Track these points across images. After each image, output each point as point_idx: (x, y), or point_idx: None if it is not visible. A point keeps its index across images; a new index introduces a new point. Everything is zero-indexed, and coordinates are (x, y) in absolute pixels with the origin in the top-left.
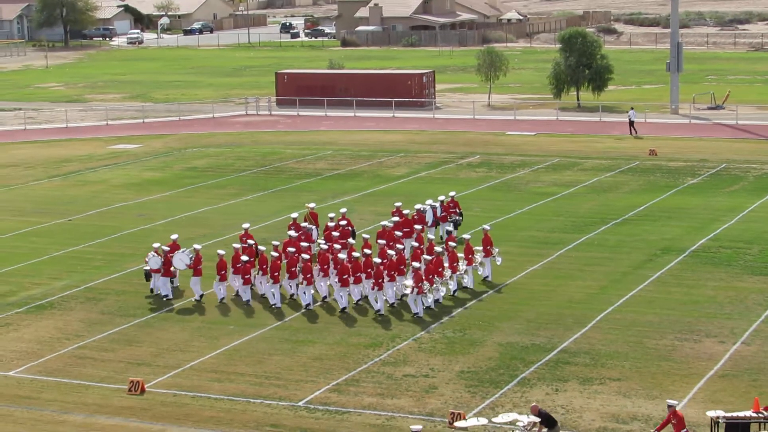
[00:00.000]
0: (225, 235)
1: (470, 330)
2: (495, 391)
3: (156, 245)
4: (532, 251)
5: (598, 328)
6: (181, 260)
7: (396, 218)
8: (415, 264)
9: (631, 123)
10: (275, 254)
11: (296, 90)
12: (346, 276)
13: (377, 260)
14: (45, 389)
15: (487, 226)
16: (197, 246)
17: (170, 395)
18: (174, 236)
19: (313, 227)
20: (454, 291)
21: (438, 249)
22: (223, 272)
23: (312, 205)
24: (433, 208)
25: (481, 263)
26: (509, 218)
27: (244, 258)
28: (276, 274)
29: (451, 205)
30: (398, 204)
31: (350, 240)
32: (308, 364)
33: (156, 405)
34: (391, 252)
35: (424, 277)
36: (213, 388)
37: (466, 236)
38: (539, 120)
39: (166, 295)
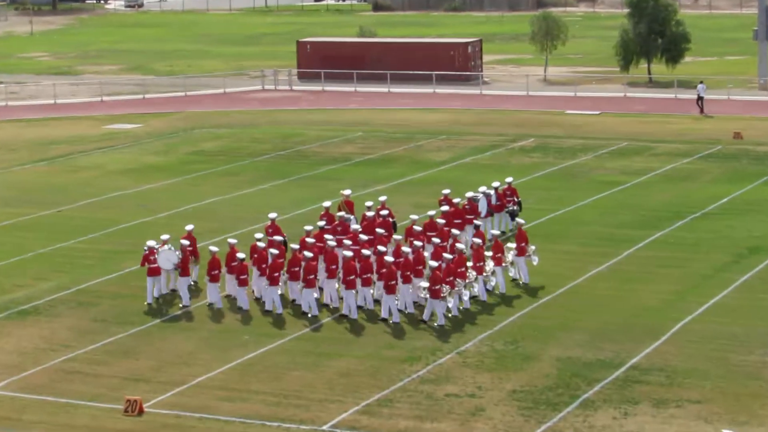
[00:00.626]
0: (237, 229)
1: (524, 342)
2: (553, 414)
3: (165, 237)
4: (596, 250)
5: (674, 341)
6: (167, 259)
7: (445, 207)
8: (433, 263)
9: (700, 99)
10: (275, 251)
11: (321, 61)
12: (353, 277)
13: (389, 259)
14: (28, 409)
15: (521, 220)
16: (184, 242)
17: (173, 416)
18: (189, 227)
19: (351, 216)
20: (471, 297)
21: (460, 246)
22: (215, 272)
23: (347, 192)
24: (487, 196)
25: (512, 263)
26: (568, 212)
27: (240, 255)
28: (276, 275)
29: (508, 192)
30: (446, 191)
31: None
32: (334, 381)
33: (156, 427)
34: (406, 249)
35: (442, 279)
36: (222, 409)
37: (521, 221)
38: (604, 97)
39: (186, 305)
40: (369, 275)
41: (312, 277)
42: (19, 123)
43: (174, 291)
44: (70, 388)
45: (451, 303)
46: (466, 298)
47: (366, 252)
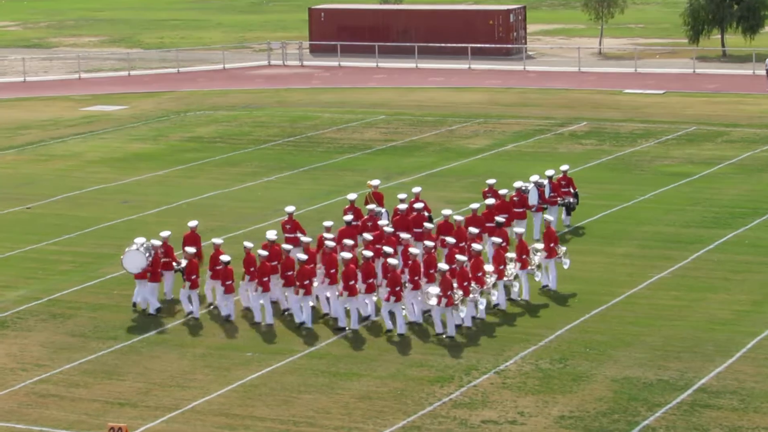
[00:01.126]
0: (240, 228)
1: (573, 360)
2: None
3: (166, 234)
4: (659, 253)
5: (750, 358)
6: (133, 261)
7: (491, 200)
8: (443, 266)
9: None
10: (264, 253)
11: (337, 32)
12: (353, 282)
13: (392, 261)
14: None
15: (549, 217)
16: (156, 242)
17: None
18: (192, 223)
19: (382, 210)
20: (495, 305)
21: (477, 247)
22: (194, 277)
23: (376, 182)
24: (540, 186)
25: (538, 266)
26: (627, 208)
27: (225, 258)
28: (266, 279)
29: (563, 183)
30: (492, 182)
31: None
32: (352, 406)
33: None
34: (414, 251)
35: (456, 285)
36: None
37: (549, 218)
38: (669, 73)
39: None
40: (372, 280)
41: (307, 282)
42: None
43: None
44: (43, 414)
45: (464, 312)
46: (482, 306)
47: (367, 253)
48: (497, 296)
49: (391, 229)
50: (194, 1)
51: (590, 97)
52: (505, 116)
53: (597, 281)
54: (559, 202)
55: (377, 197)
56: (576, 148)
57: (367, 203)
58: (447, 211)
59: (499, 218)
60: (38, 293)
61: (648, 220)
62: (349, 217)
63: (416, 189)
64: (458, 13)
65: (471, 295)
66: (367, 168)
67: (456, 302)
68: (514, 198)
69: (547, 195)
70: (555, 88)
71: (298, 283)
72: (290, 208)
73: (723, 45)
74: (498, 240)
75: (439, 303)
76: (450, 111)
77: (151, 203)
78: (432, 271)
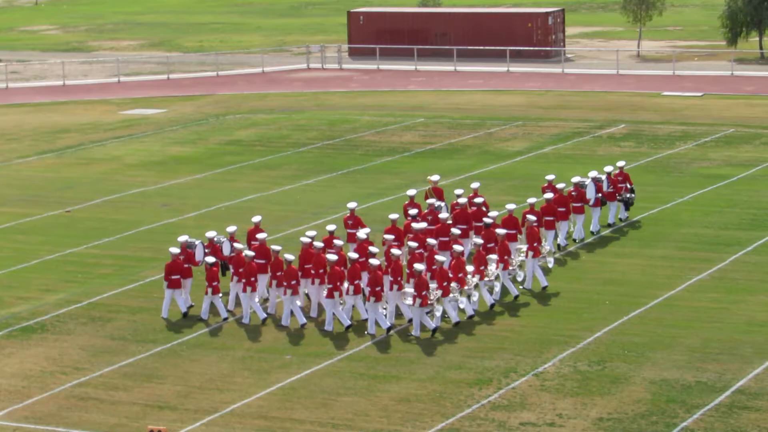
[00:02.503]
0: (279, 231)
1: (611, 362)
2: None
3: (232, 229)
4: (697, 255)
5: None
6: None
7: (549, 195)
8: (418, 266)
9: None
10: (250, 253)
11: (376, 35)
12: (337, 284)
13: (374, 262)
14: None
15: (532, 217)
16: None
17: None
18: (256, 218)
19: (442, 204)
20: (491, 305)
21: (458, 248)
22: (174, 277)
23: (435, 177)
24: (598, 182)
25: (520, 266)
26: (665, 210)
27: (210, 260)
28: (253, 279)
29: (620, 178)
30: (551, 177)
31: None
32: (391, 408)
33: None
34: (396, 252)
35: (438, 284)
36: None
37: (532, 218)
38: (707, 75)
39: (225, 318)
40: (358, 281)
41: (254, 280)
42: (21, 108)
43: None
44: (83, 417)
45: (440, 312)
46: (463, 306)
47: (353, 255)
48: (478, 297)
49: (363, 234)
50: (234, 5)
51: (628, 99)
52: (544, 119)
53: (636, 283)
54: (617, 197)
55: (437, 192)
56: (614, 151)
57: (427, 198)
58: (532, 199)
59: (487, 219)
60: (78, 296)
61: (686, 222)
62: (414, 211)
63: (475, 184)
64: (497, 16)
65: (451, 295)
66: (406, 171)
67: (431, 301)
68: (572, 193)
69: (605, 189)
70: (593, 91)
71: (285, 283)
72: (352, 204)
73: (761, 47)
74: (480, 240)
75: (414, 303)
76: (488, 114)
77: (190, 206)
78: (460, 275)
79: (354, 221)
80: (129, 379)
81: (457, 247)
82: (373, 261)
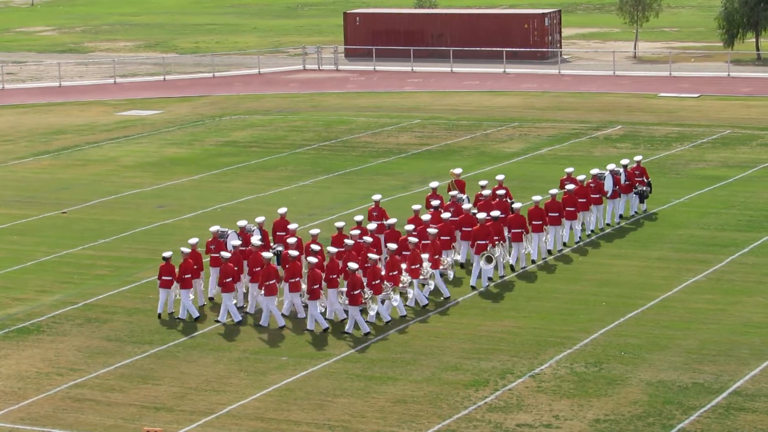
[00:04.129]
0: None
1: (608, 363)
2: None
3: (243, 223)
4: (694, 256)
5: None
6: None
7: (570, 186)
8: (352, 265)
9: None
10: (226, 255)
11: (372, 37)
12: (317, 286)
13: (312, 260)
14: None
15: (432, 230)
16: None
17: None
18: (282, 210)
19: (464, 196)
20: (424, 305)
21: (392, 246)
22: (167, 279)
23: (458, 170)
24: (615, 174)
25: (453, 265)
26: (662, 211)
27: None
28: (228, 280)
29: (637, 172)
30: (570, 170)
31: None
32: (387, 409)
33: None
34: (332, 249)
35: (368, 282)
36: None
37: (480, 216)
38: (704, 77)
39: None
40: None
41: (230, 280)
42: (17, 109)
43: (211, 299)
44: (78, 419)
45: (373, 310)
46: (396, 304)
47: (312, 260)
48: (413, 294)
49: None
50: (230, 6)
51: (625, 100)
52: (540, 120)
53: (632, 285)
54: (633, 190)
55: (459, 185)
56: (611, 152)
57: (449, 190)
58: (553, 190)
59: (516, 204)
60: (74, 298)
61: (683, 223)
62: (437, 202)
63: (500, 176)
64: (493, 17)
65: (384, 293)
66: (403, 172)
67: (365, 300)
68: (591, 184)
69: (623, 182)
70: (590, 92)
71: (261, 282)
72: (377, 196)
73: (758, 48)
74: (414, 239)
75: (347, 301)
76: (485, 115)
77: (187, 208)
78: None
79: (378, 213)
80: (125, 381)
81: (391, 245)
82: (312, 259)
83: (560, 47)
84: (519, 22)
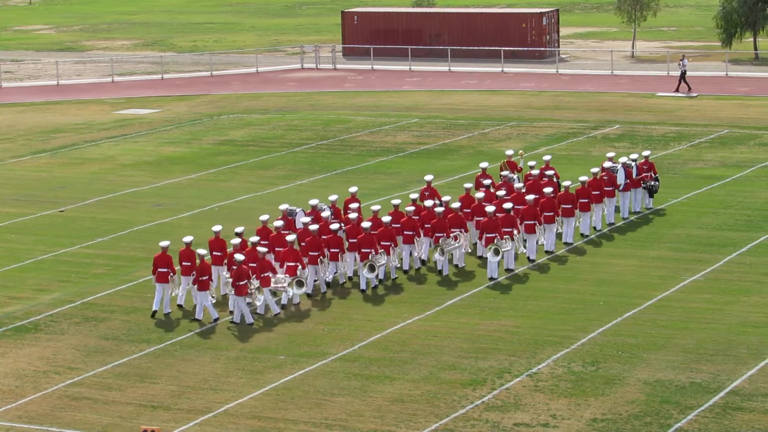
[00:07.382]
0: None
1: (605, 363)
2: None
3: (315, 202)
4: (691, 256)
5: None
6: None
7: (584, 177)
8: (238, 257)
9: (683, 76)
10: (202, 252)
11: (370, 36)
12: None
13: (239, 257)
14: None
15: (262, 249)
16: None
17: None
18: (314, 201)
19: (515, 176)
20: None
21: (290, 238)
22: (163, 271)
23: (510, 152)
24: (627, 167)
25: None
26: (660, 211)
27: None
28: (204, 278)
29: (645, 167)
30: (511, 151)
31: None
32: (384, 409)
33: None
34: (314, 225)
35: (257, 274)
36: None
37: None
38: (702, 76)
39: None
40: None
41: (206, 278)
42: (15, 108)
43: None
44: (76, 417)
45: (260, 301)
46: (284, 300)
47: (261, 250)
48: (261, 300)
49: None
50: (228, 5)
51: (623, 100)
52: (538, 119)
53: (630, 284)
54: (642, 185)
55: (511, 165)
56: (609, 151)
57: (501, 170)
58: (567, 183)
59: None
60: (72, 296)
61: (680, 223)
62: (488, 181)
63: (547, 157)
64: (491, 16)
65: (272, 285)
66: (400, 170)
67: (251, 291)
68: (604, 177)
69: (634, 175)
70: (588, 92)
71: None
72: (429, 177)
73: (756, 48)
74: (263, 250)
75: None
76: (483, 114)
77: (184, 206)
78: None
79: (431, 193)
80: (122, 379)
81: (290, 238)
82: (200, 251)
83: (558, 46)
84: (517, 21)
